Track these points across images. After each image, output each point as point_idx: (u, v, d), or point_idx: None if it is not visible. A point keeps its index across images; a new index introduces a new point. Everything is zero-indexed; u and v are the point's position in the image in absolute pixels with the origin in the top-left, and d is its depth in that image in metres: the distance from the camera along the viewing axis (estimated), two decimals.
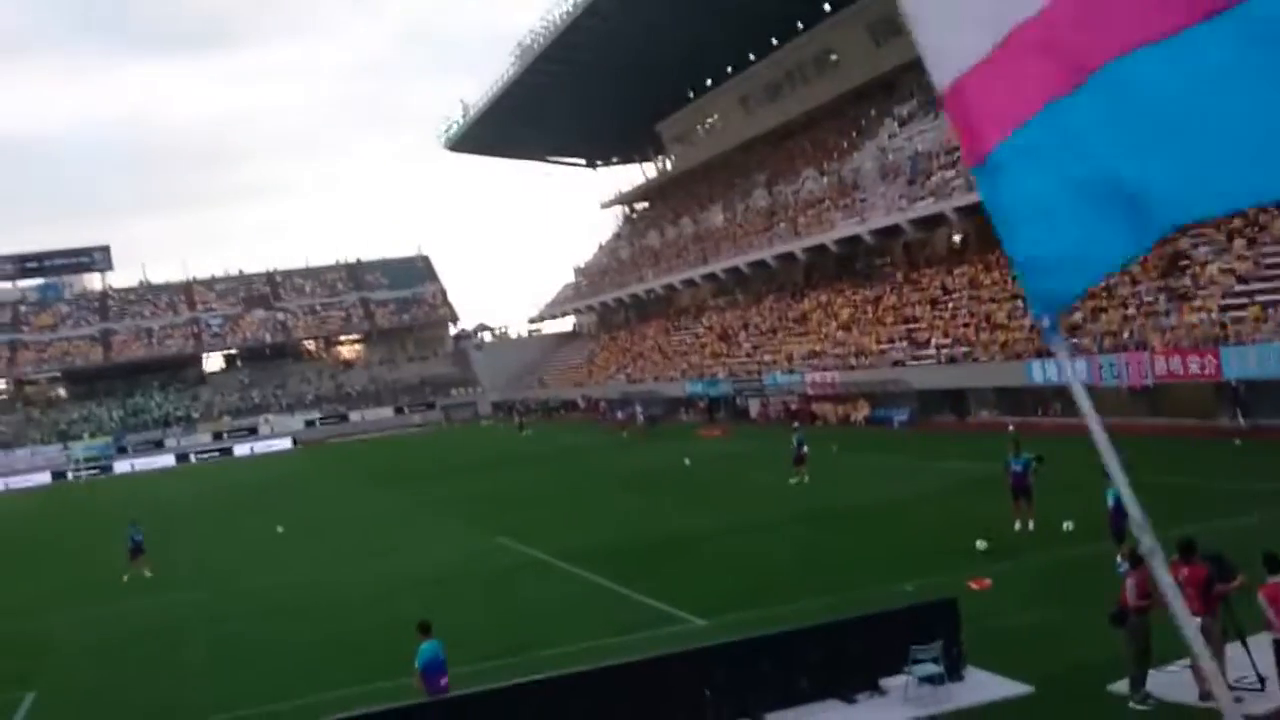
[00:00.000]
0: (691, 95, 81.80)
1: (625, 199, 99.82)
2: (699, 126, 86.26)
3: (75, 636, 20.76)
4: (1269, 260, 32.40)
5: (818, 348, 51.93)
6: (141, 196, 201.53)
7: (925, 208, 49.17)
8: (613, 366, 77.69)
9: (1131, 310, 34.76)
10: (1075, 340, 34.36)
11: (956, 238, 50.59)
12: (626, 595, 18.37)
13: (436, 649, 11.76)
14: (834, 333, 52.13)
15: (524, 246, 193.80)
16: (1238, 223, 34.01)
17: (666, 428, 56.04)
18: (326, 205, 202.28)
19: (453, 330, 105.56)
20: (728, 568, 19.75)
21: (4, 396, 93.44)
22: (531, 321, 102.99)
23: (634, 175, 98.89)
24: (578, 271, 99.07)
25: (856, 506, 24.92)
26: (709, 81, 78.55)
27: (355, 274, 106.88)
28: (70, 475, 76.59)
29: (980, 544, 18.04)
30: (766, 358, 55.90)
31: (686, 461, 37.36)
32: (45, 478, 76.13)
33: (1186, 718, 9.54)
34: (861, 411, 45.99)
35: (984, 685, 11.28)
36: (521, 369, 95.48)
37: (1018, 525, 19.14)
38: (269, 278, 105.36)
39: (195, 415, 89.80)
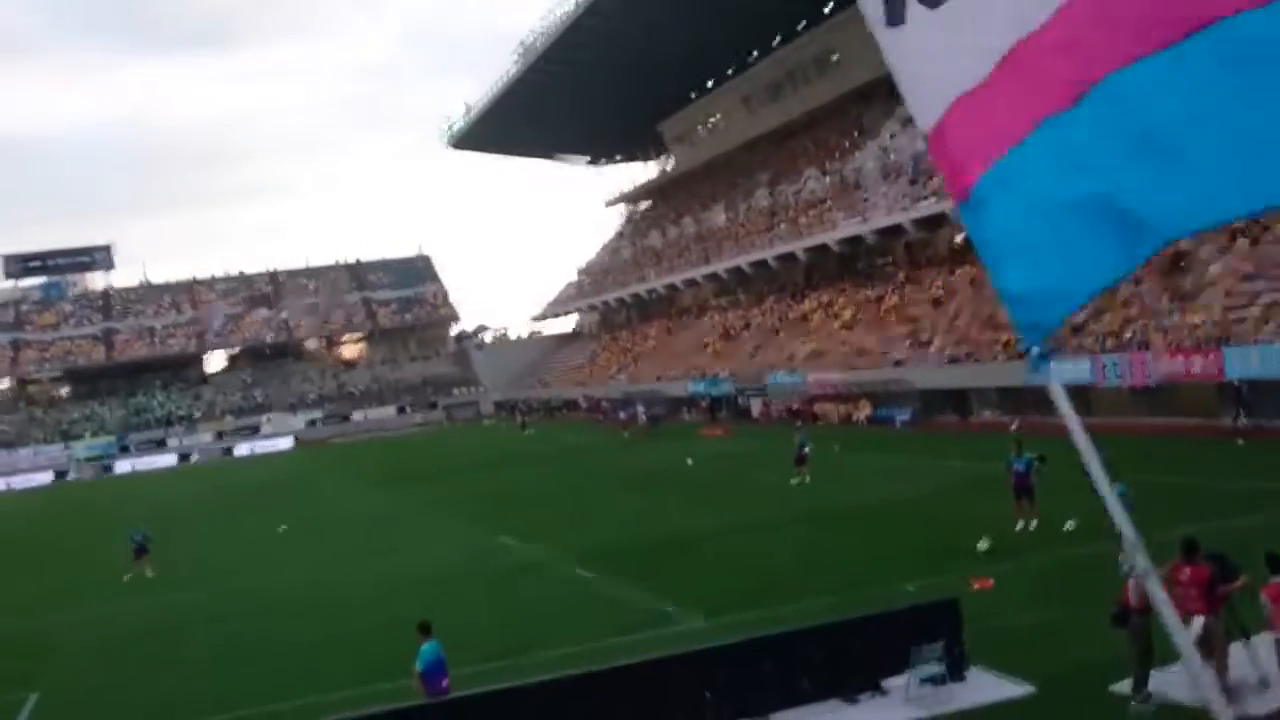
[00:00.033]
0: (693, 95, 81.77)
1: (627, 198, 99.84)
2: (701, 126, 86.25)
3: (77, 636, 20.77)
4: (1272, 260, 32.34)
5: (820, 347, 51.91)
6: (142, 196, 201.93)
7: (927, 207, 49.14)
8: (614, 366, 77.67)
9: (1134, 310, 34.72)
10: (1077, 340, 34.33)
11: (958, 238, 50.48)
12: (628, 595, 18.34)
13: (437, 650, 11.72)
14: (836, 332, 52.11)
15: (525, 246, 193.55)
16: (1240, 222, 33.95)
17: (668, 427, 56.00)
18: (327, 205, 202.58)
19: (454, 330, 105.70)
20: (729, 568, 19.73)
21: (6, 396, 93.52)
22: (533, 321, 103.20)
23: (636, 174, 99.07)
24: (579, 271, 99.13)
25: (858, 506, 24.89)
26: (710, 81, 78.52)
27: (357, 274, 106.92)
28: (72, 475, 76.65)
29: (982, 544, 18.01)
30: (768, 357, 55.88)
31: (688, 461, 37.33)
32: (47, 477, 76.19)
33: (1188, 718, 9.51)
34: (863, 411, 45.95)
35: (986, 685, 11.28)
36: (523, 369, 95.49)
37: (1020, 525, 19.11)
38: (271, 277, 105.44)
39: (197, 415, 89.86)
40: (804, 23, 66.47)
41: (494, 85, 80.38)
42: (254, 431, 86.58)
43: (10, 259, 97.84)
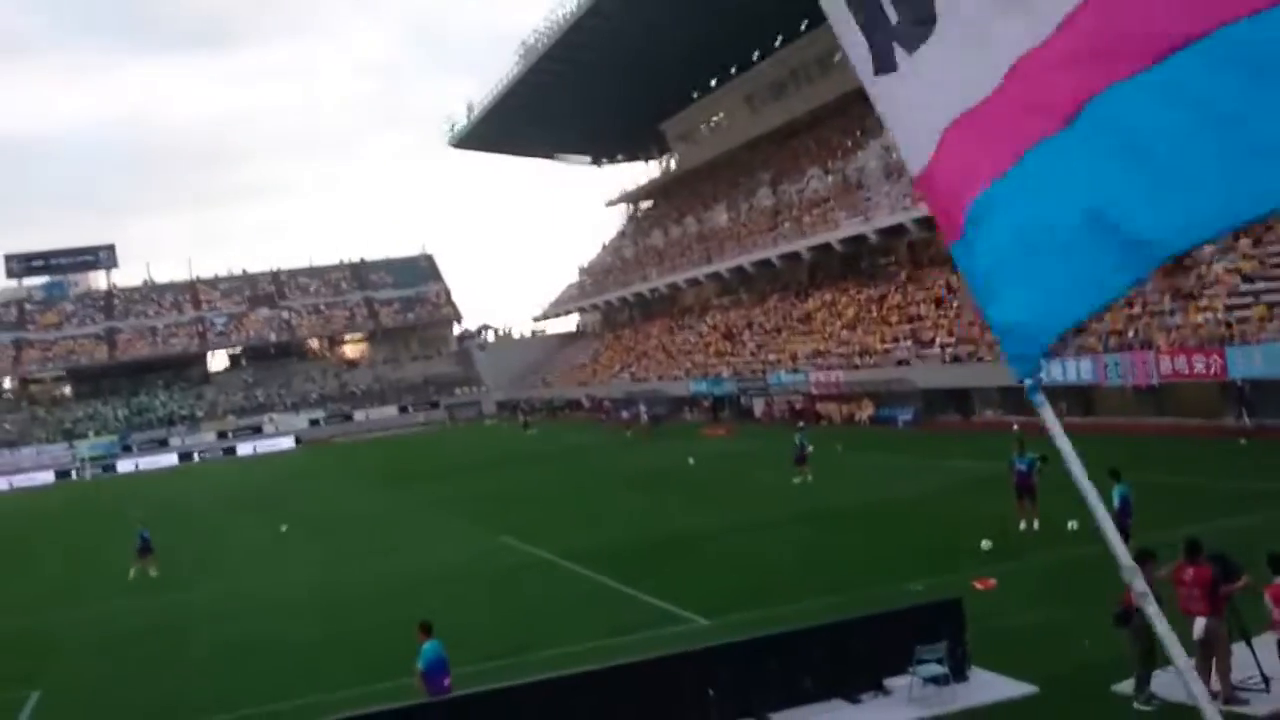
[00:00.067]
0: (695, 94, 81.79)
1: (630, 198, 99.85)
2: (703, 125, 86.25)
3: (79, 635, 20.78)
4: (1275, 260, 32.31)
5: (822, 347, 51.89)
6: (143, 196, 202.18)
7: (930, 207, 49.02)
8: (617, 366, 77.68)
9: (1137, 309, 34.68)
10: (1080, 340, 34.30)
11: None
12: (630, 595, 18.34)
13: (438, 649, 11.72)
14: (838, 332, 52.08)
15: (528, 246, 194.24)
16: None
17: (670, 427, 56.01)
18: (329, 205, 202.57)
19: (457, 329, 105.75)
20: (732, 567, 19.72)
21: (9, 395, 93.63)
22: (535, 320, 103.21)
23: (638, 174, 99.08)
24: (582, 271, 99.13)
25: (861, 506, 24.88)
26: (713, 81, 78.53)
27: (359, 273, 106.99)
28: (75, 475, 76.74)
29: (985, 544, 18.00)
30: (771, 357, 55.84)
31: (690, 461, 37.33)
32: (50, 476, 76.28)
33: (1191, 718, 9.49)
34: (866, 411, 45.94)
35: (989, 685, 11.26)
36: (525, 368, 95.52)
37: (1022, 525, 19.08)
38: (273, 277, 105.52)
39: (200, 414, 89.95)
40: (806, 22, 66.36)
41: (496, 85, 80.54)
42: (256, 431, 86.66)
43: (13, 258, 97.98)
